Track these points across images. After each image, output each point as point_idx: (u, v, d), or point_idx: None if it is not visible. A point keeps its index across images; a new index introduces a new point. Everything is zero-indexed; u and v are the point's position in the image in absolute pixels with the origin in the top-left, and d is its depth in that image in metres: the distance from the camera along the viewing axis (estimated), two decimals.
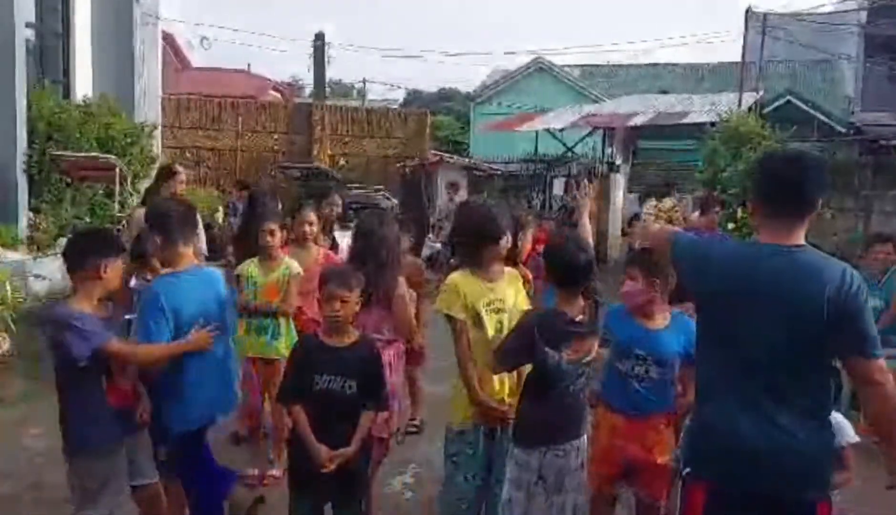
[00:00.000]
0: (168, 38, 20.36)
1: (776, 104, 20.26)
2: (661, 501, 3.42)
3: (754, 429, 2.43)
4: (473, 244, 3.30)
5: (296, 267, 4.53)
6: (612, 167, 16.71)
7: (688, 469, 2.62)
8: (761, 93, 18.07)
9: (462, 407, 3.27)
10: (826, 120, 21.60)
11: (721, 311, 2.56)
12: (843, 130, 21.92)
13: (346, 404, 3.17)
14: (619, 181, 16.57)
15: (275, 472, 4.42)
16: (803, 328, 2.41)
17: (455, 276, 3.31)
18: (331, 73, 23.60)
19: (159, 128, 14.08)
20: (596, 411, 3.52)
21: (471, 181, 15.36)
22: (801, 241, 2.55)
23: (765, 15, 19.17)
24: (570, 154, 17.49)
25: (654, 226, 3.04)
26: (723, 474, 2.51)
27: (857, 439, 2.97)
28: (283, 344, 4.42)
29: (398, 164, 14.64)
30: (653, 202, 10.21)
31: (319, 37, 21.35)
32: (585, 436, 3.24)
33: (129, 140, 10.84)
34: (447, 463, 3.35)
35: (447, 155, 16.46)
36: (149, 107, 13.68)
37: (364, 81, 33.94)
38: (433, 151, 15.66)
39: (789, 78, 23.59)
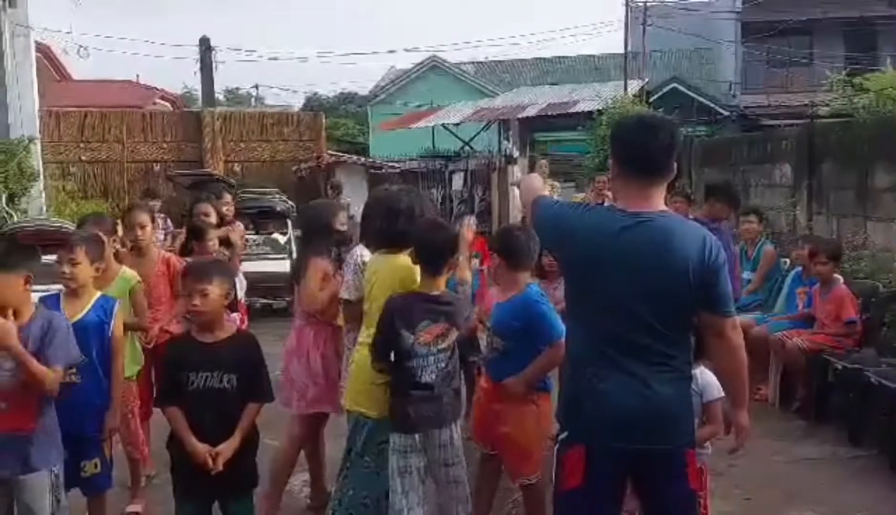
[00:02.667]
0: (43, 50, 19.34)
1: (662, 91, 21.13)
2: (531, 475, 3.48)
3: (623, 389, 2.49)
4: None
5: (133, 275, 4.07)
6: (509, 159, 17.00)
7: (564, 434, 2.65)
8: (646, 80, 18.77)
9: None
10: (709, 103, 22.70)
11: (586, 278, 2.59)
12: (726, 113, 23.10)
13: (227, 399, 3.07)
14: (517, 173, 16.88)
15: (136, 508, 4.07)
16: (669, 292, 2.48)
17: None
18: (224, 82, 23.08)
19: (38, 142, 13.38)
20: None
21: (370, 180, 15.27)
22: (662, 206, 2.59)
23: (645, 5, 19.96)
24: (467, 149, 17.67)
25: (534, 179, 3.05)
26: (597, 435, 2.54)
27: (722, 395, 3.08)
28: (129, 361, 3.97)
29: (294, 168, 14.42)
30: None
31: (205, 42, 20.73)
32: (454, 427, 3.21)
33: (2, 157, 10.21)
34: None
35: (345, 155, 16.31)
36: (24, 122, 12.98)
37: (257, 86, 33.28)
38: (330, 152, 15.48)
39: (673, 66, 24.60)
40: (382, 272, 3.25)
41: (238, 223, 6.39)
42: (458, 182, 16.11)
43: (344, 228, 3.75)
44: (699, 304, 2.53)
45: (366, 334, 3.28)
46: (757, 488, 4.31)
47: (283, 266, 9.51)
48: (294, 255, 10.07)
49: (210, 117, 15.41)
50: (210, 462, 3.00)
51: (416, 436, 3.11)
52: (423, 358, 3.07)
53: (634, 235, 2.49)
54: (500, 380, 3.48)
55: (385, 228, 3.29)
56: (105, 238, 3.95)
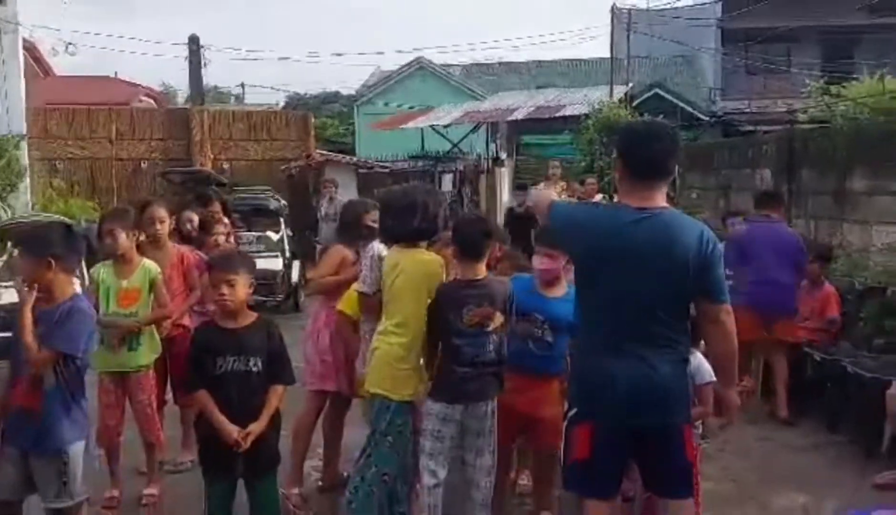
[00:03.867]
0: (28, 46, 19.26)
1: (644, 97, 21.48)
2: (557, 449, 3.70)
3: (628, 370, 2.74)
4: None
5: (154, 266, 4.21)
6: (497, 161, 17.27)
7: (574, 411, 2.91)
8: (630, 85, 19.10)
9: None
10: (690, 110, 23.09)
11: (595, 270, 2.84)
12: (707, 118, 23.50)
13: (253, 382, 3.26)
14: (504, 175, 17.15)
15: (153, 491, 4.25)
16: (671, 281, 2.75)
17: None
18: (207, 80, 22.97)
19: (25, 139, 13.39)
20: None
21: (359, 180, 15.44)
22: (664, 203, 2.87)
23: (629, 12, 20.31)
24: (456, 150, 17.90)
25: (544, 191, 3.34)
26: (604, 412, 2.80)
27: (713, 379, 3.31)
28: (144, 355, 4.15)
29: (283, 167, 14.54)
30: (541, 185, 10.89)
31: (194, 40, 20.76)
32: (491, 402, 3.47)
33: None
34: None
35: (334, 154, 16.45)
36: (12, 119, 12.99)
37: (242, 85, 33.22)
38: (320, 152, 15.62)
39: (656, 72, 24.95)
40: (406, 265, 3.45)
41: (225, 220, 6.38)
42: (447, 183, 16.33)
43: (374, 225, 3.92)
44: (697, 291, 2.80)
45: (386, 324, 3.49)
46: (741, 471, 4.58)
47: (276, 264, 9.65)
48: (287, 253, 10.23)
49: (198, 115, 15.48)
50: (241, 441, 3.17)
51: (458, 407, 3.37)
52: (470, 338, 3.34)
53: (640, 229, 2.76)
54: (542, 372, 3.68)
55: (403, 224, 3.49)
56: (128, 231, 4.13)
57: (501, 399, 3.52)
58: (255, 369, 3.26)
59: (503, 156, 17.93)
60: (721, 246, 6.65)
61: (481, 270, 3.47)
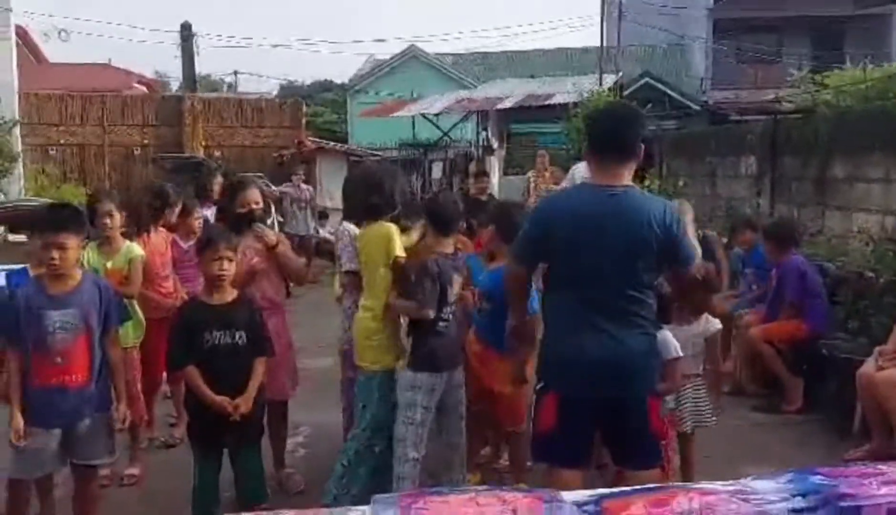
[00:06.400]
0: (21, 32, 19.23)
1: (635, 86, 21.57)
2: (520, 426, 3.84)
3: (595, 343, 2.86)
4: None
5: (138, 250, 4.31)
6: (488, 150, 17.34)
7: (541, 384, 3.03)
8: (620, 74, 19.17)
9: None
10: (680, 99, 23.19)
11: (562, 248, 2.94)
12: (697, 108, 23.62)
13: (239, 355, 3.39)
14: (495, 163, 17.22)
15: (134, 471, 4.31)
16: (636, 256, 2.86)
17: None
18: (199, 68, 22.93)
19: (18, 125, 13.43)
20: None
21: (350, 168, 15.49)
22: (629, 182, 2.99)
23: (620, 1, 20.38)
24: (446, 139, 17.97)
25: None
26: (571, 383, 2.91)
27: (680, 354, 3.44)
28: (132, 332, 4.21)
29: (275, 154, 14.62)
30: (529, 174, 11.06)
31: (186, 27, 20.75)
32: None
33: None
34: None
35: (326, 142, 16.53)
36: (5, 104, 13.03)
37: (235, 73, 33.17)
38: (311, 139, 15.70)
39: (647, 61, 25.03)
40: (369, 240, 3.64)
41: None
42: (437, 171, 16.42)
43: (247, 209, 4.07)
44: (668, 261, 2.94)
45: (363, 300, 3.66)
46: (716, 447, 4.70)
47: None
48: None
49: (190, 102, 15.53)
50: (231, 410, 3.30)
51: (444, 375, 3.53)
52: (450, 307, 3.54)
53: (605, 207, 2.87)
54: (490, 340, 3.83)
55: (363, 201, 3.68)
56: (115, 212, 4.21)
57: (467, 367, 3.74)
58: (241, 342, 3.39)
59: (494, 144, 18.01)
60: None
61: (451, 245, 3.65)
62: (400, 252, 3.56)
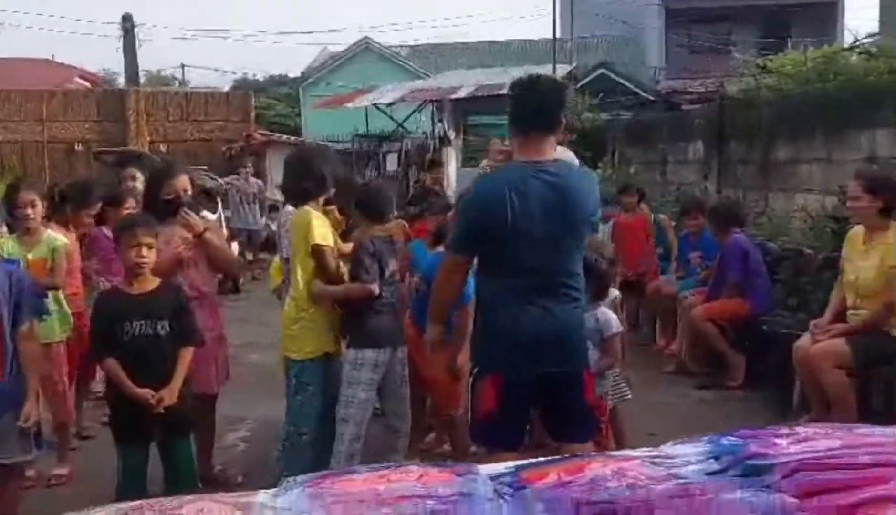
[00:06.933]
0: None
1: (591, 76, 21.71)
2: (457, 410, 3.79)
3: (533, 321, 2.81)
4: None
5: (61, 238, 4.19)
6: (444, 141, 17.21)
7: (477, 368, 2.96)
8: (574, 64, 19.27)
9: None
10: (635, 89, 23.42)
11: (496, 229, 2.84)
12: (652, 98, 23.89)
13: (162, 345, 3.25)
14: (451, 154, 17.11)
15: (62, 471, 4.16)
16: (569, 229, 2.83)
17: None
18: (148, 64, 22.48)
19: None
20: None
21: None
22: (554, 156, 2.93)
23: None
24: (401, 130, 17.83)
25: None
26: (509, 363, 2.85)
27: (620, 329, 3.42)
28: (58, 326, 4.11)
29: (223, 148, 14.34)
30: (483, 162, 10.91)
31: (128, 19, 20.18)
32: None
33: None
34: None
35: (275, 135, 16.28)
36: None
37: (182, 66, 32.53)
38: (261, 132, 15.44)
39: (602, 52, 25.22)
40: (293, 226, 3.63)
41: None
42: (392, 163, 16.27)
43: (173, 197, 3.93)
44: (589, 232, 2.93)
45: (292, 288, 3.60)
46: (660, 424, 4.70)
47: None
48: (224, 233, 10.09)
49: (134, 96, 15.19)
50: (155, 403, 3.16)
51: (388, 350, 3.54)
52: (391, 286, 3.62)
53: (535, 182, 2.80)
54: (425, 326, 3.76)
55: (296, 185, 3.64)
56: (38, 202, 4.09)
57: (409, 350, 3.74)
58: (162, 332, 3.25)
59: (451, 135, 17.90)
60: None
61: (386, 231, 3.71)
62: (320, 240, 3.47)
